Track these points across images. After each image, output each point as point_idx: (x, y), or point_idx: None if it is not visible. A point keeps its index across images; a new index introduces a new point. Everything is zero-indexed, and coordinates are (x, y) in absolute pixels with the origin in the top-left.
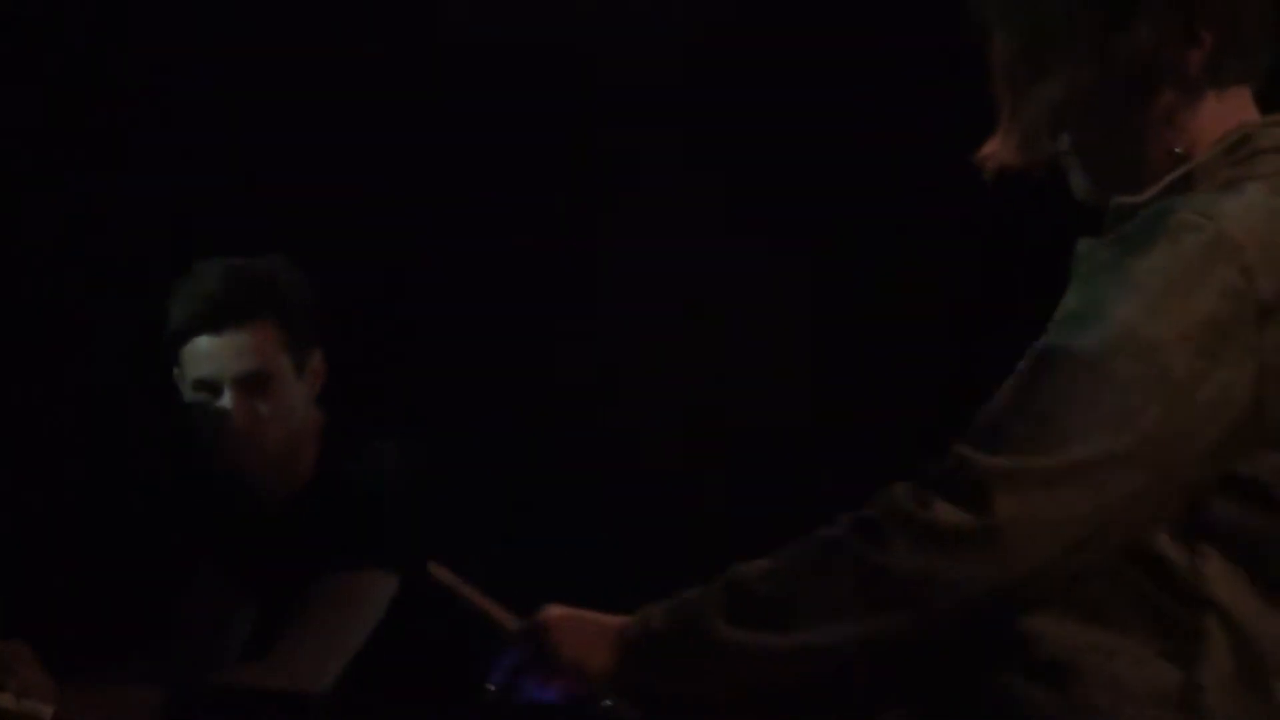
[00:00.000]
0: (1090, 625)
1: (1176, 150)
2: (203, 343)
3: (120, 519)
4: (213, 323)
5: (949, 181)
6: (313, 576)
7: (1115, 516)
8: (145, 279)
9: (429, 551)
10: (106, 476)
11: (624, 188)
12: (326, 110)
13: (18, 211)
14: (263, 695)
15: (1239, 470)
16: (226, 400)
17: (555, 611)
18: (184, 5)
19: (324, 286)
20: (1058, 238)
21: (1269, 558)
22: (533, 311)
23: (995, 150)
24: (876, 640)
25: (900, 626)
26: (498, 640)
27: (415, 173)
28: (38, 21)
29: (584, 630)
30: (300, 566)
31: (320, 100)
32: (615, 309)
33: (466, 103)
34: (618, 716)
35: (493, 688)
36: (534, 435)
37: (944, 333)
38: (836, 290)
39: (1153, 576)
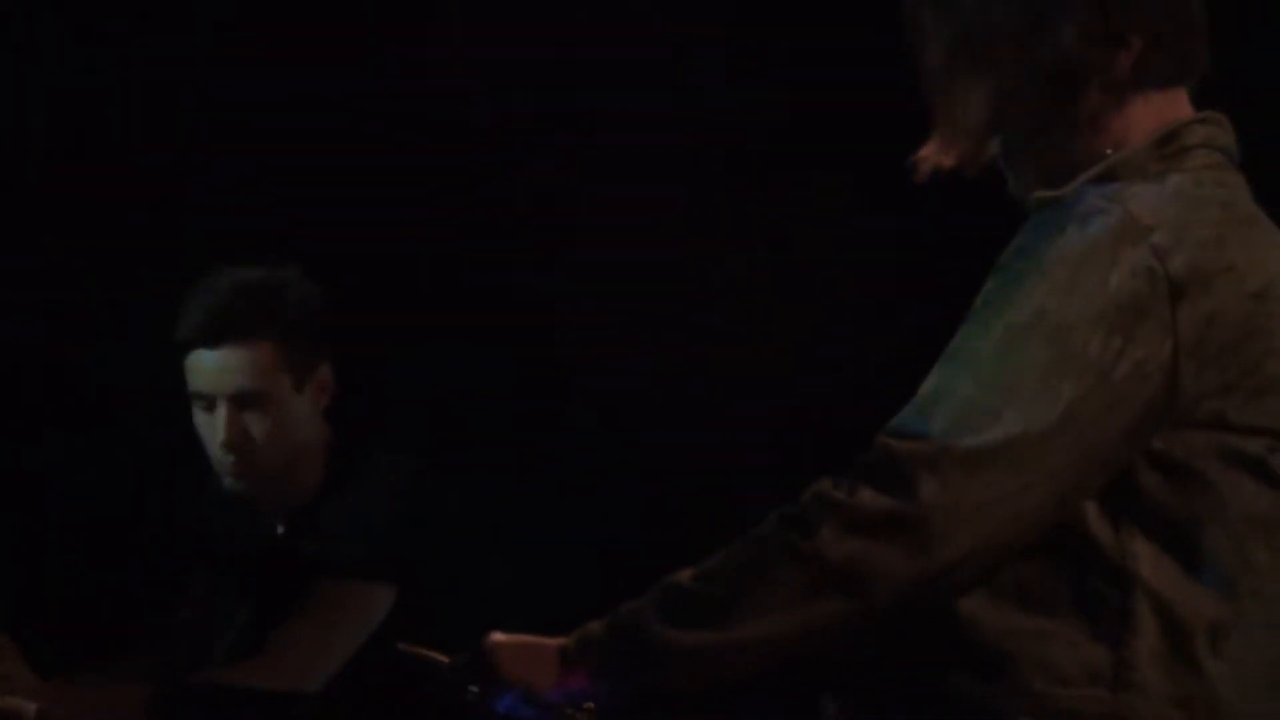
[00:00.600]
0: (1022, 609)
1: (1106, 151)
2: (202, 356)
3: (120, 519)
4: (212, 337)
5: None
6: (310, 584)
7: (1038, 496)
8: (155, 283)
9: (432, 565)
10: (108, 477)
11: (639, 186)
12: (341, 119)
13: (26, 212)
14: (249, 694)
15: (1158, 447)
16: (220, 415)
17: (497, 637)
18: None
19: (336, 297)
20: None
21: (1191, 533)
22: (547, 322)
23: (930, 153)
24: (816, 628)
25: (838, 613)
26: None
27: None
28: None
29: (526, 650)
30: (299, 576)
31: (332, 108)
32: (628, 321)
33: (479, 113)
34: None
35: (475, 689)
36: (545, 448)
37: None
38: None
39: (1081, 557)
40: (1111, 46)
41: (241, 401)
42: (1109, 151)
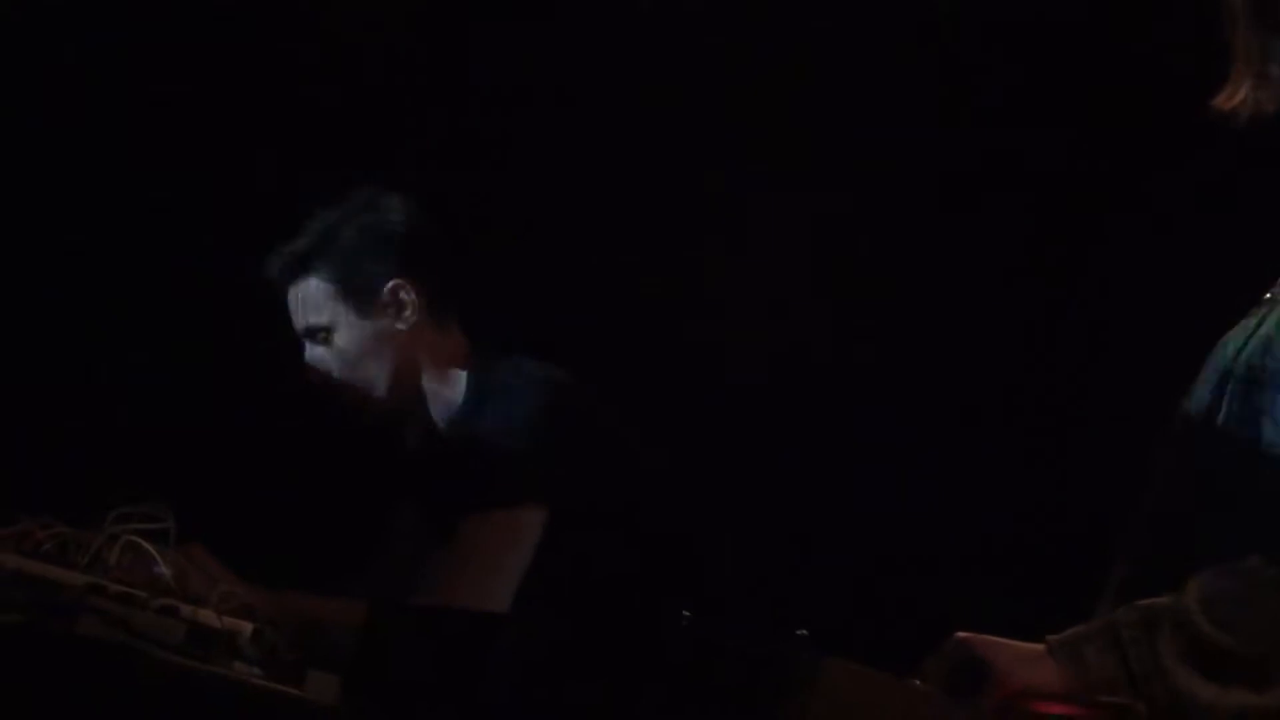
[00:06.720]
0: None
1: None
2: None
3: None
4: (280, 281)
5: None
6: (472, 509)
7: None
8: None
9: (576, 480)
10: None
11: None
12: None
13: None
14: (461, 615)
15: None
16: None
17: (973, 637)
18: None
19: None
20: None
21: None
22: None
23: (1236, 97)
24: None
25: None
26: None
27: None
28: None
29: (1017, 654)
30: (465, 493)
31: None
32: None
33: None
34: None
35: (687, 614)
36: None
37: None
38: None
39: None
40: None
41: (312, 336)
42: None
